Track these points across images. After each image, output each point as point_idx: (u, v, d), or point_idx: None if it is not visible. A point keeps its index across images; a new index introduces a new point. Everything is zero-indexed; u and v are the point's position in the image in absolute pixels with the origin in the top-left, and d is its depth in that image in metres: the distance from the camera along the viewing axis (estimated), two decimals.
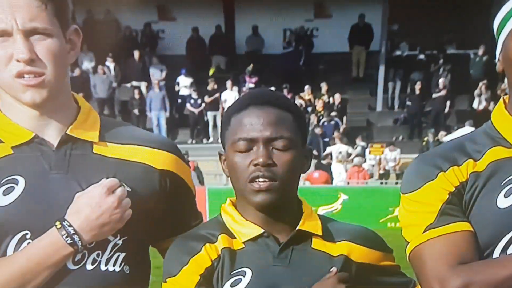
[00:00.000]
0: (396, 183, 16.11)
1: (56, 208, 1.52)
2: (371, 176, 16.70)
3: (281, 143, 1.53)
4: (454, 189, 1.54)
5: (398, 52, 20.43)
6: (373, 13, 20.15)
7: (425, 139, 17.58)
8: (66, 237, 1.49)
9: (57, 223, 1.50)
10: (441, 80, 18.44)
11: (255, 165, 1.51)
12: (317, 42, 20.75)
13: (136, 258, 1.65)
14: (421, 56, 19.91)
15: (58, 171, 1.57)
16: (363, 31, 20.03)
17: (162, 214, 1.68)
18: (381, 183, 16.36)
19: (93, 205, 1.50)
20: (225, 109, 12.68)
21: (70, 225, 1.49)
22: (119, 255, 1.60)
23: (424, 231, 1.53)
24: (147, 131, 1.89)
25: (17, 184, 1.54)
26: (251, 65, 19.02)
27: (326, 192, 13.91)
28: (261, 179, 1.51)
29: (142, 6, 20.19)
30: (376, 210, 13.19)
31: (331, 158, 16.60)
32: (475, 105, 18.44)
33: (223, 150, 1.61)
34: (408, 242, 1.57)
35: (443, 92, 18.38)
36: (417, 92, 18.45)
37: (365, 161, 16.87)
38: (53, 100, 1.56)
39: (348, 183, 15.73)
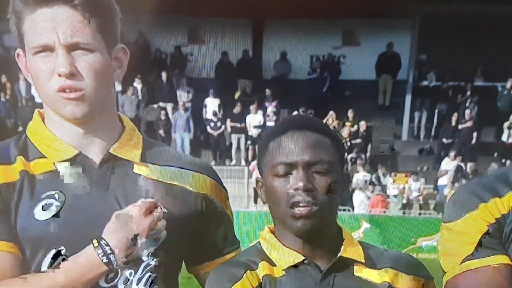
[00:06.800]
0: (420, 213, 15.97)
1: (94, 225, 1.53)
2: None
3: (321, 167, 1.50)
4: (495, 220, 1.51)
5: (425, 82, 20.30)
6: (401, 42, 20.07)
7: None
8: (102, 255, 1.50)
9: (94, 241, 1.51)
10: (467, 112, 18.25)
11: (295, 189, 1.49)
12: (343, 69, 20.71)
13: (167, 280, 1.65)
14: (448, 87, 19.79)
15: (98, 189, 1.58)
16: (391, 59, 19.95)
17: (197, 238, 1.69)
18: (404, 213, 16.10)
19: (130, 224, 1.52)
20: (249, 132, 12.28)
21: (107, 244, 1.50)
22: (150, 275, 1.60)
23: (462, 262, 1.52)
24: (186, 153, 1.87)
25: (56, 200, 1.54)
26: (267, 90, 19.09)
27: (348, 219, 13.80)
28: (301, 204, 1.48)
29: (174, 29, 20.40)
30: (398, 240, 13.08)
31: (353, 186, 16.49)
32: (504, 137, 18.12)
33: (260, 176, 1.60)
34: (445, 272, 1.56)
35: (469, 124, 18.18)
36: (453, 123, 18.28)
37: (384, 190, 16.71)
38: (96, 117, 1.58)
39: (370, 211, 15.49)
